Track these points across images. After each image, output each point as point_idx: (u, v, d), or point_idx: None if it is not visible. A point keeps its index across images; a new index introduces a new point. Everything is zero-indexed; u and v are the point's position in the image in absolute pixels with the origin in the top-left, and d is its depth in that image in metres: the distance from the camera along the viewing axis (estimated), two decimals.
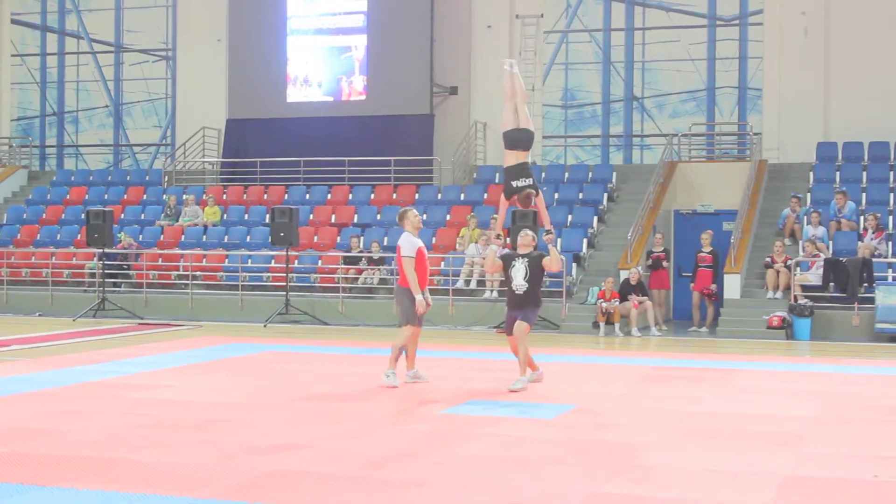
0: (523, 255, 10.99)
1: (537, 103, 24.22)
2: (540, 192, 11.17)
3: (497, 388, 11.02)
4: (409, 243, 11.04)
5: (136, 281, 22.25)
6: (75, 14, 28.16)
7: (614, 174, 23.23)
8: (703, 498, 6.62)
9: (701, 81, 23.70)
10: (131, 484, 6.79)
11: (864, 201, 20.93)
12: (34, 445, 8.01)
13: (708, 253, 19.57)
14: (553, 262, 10.88)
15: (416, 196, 23.46)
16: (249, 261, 21.95)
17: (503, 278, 11.75)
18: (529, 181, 10.95)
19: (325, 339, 17.47)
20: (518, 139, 11.16)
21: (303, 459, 7.62)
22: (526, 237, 11.13)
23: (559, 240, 20.64)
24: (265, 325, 19.46)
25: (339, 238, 22.27)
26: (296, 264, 21.40)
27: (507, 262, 11.09)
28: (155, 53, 27.55)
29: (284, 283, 20.28)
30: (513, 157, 11.14)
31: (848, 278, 18.10)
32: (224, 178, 26.04)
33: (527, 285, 10.84)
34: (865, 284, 18.10)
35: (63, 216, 25.01)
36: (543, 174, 23.40)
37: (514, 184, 10.98)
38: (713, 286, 19.32)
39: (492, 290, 19.75)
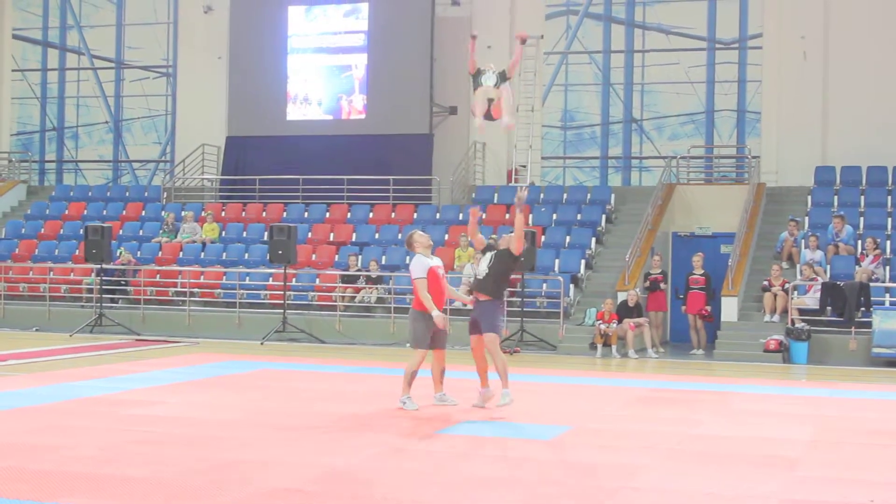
0: (497, 250, 11.27)
1: (536, 124, 24.31)
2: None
3: (494, 408, 10.99)
4: (420, 265, 10.99)
5: (133, 297, 22.24)
6: (76, 30, 28.25)
7: (613, 196, 23.26)
8: None
9: (700, 104, 23.77)
10: (125, 500, 6.78)
11: (861, 225, 20.95)
12: (29, 461, 7.99)
13: (700, 275, 19.56)
14: (517, 229, 11.08)
15: (415, 215, 23.49)
16: (247, 278, 21.94)
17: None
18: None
19: (322, 357, 17.44)
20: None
21: (298, 478, 7.60)
22: (505, 238, 11.40)
23: (556, 260, 20.71)
24: (262, 343, 19.44)
25: (337, 256, 22.27)
26: (293, 282, 21.40)
27: (483, 252, 11.42)
28: (155, 70, 27.62)
29: (282, 301, 20.29)
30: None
31: (845, 302, 18.10)
32: (223, 195, 26.05)
33: (487, 271, 11.10)
34: (863, 309, 18.10)
35: (61, 231, 24.99)
36: (542, 195, 23.43)
37: None
38: (708, 307, 19.32)
39: None
